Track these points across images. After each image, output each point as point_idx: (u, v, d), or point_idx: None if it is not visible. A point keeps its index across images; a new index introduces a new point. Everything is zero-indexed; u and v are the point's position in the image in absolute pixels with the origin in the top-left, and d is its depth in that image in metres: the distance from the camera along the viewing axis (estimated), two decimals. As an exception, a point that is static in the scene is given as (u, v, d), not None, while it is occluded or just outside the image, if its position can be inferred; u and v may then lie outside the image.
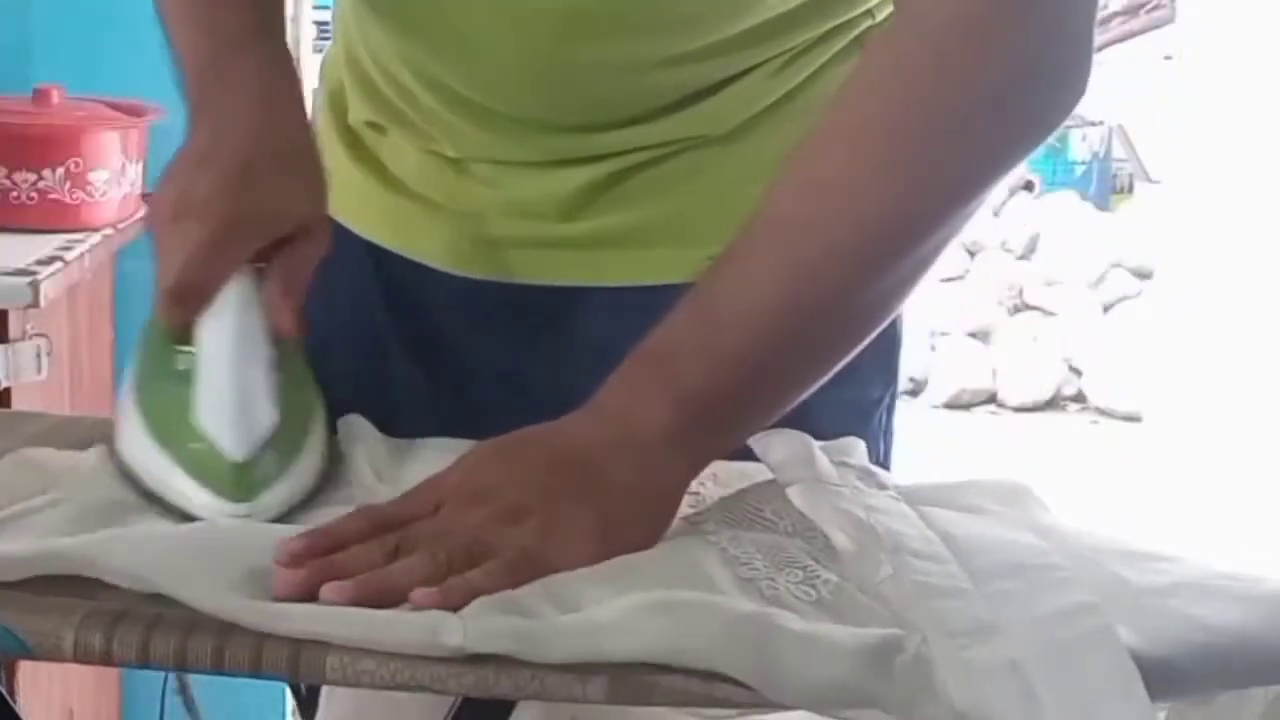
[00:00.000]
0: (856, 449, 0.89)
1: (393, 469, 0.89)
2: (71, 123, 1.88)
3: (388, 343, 1.09)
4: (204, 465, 0.81)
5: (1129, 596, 0.74)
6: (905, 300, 0.86)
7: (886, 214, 0.82)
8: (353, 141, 1.10)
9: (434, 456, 0.88)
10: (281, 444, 0.83)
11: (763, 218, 0.83)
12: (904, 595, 0.71)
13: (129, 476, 0.83)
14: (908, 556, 0.74)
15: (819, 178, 0.82)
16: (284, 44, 0.95)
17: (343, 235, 1.09)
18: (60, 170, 1.82)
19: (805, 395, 0.84)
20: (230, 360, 0.83)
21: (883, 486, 0.83)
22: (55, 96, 1.91)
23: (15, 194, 1.81)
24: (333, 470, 0.88)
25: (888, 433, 1.09)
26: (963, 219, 0.84)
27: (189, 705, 2.08)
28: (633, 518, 0.78)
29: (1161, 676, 0.68)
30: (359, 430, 0.93)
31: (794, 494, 0.79)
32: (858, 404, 1.05)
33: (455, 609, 0.69)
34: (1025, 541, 0.78)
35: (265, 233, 0.87)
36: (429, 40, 1.00)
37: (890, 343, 1.06)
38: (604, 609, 0.69)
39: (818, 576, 0.74)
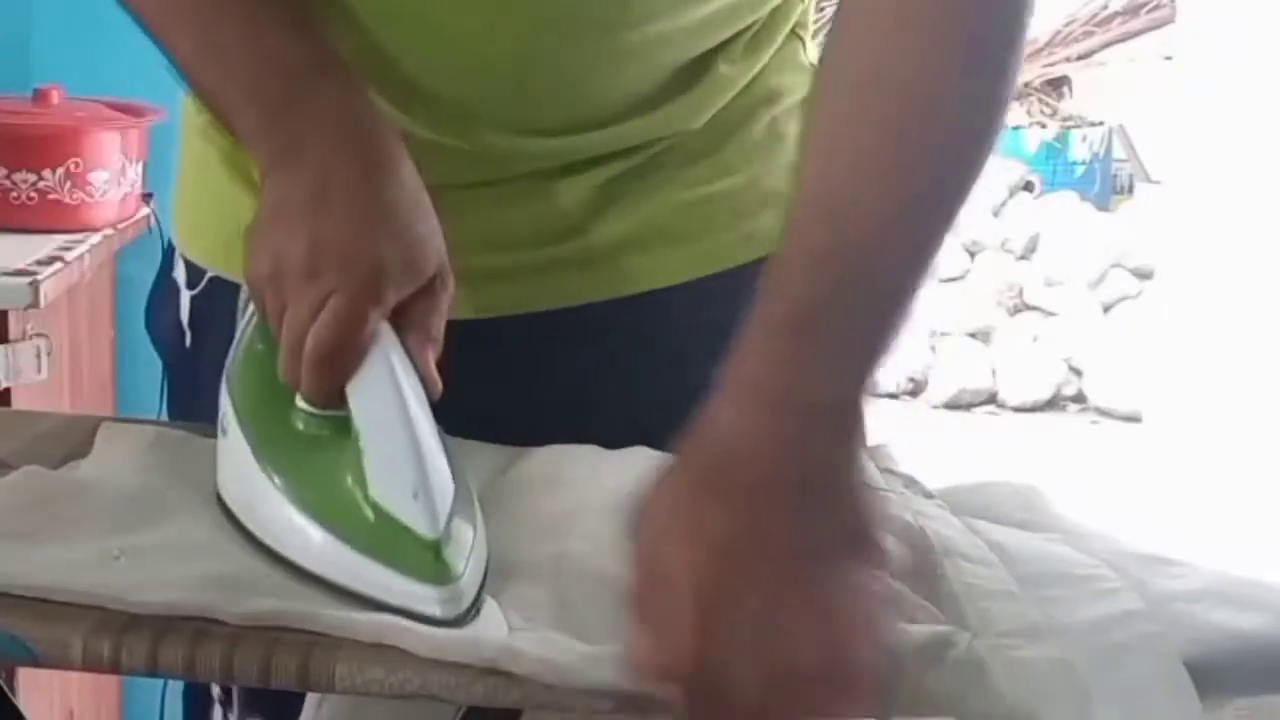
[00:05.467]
0: (892, 454, 0.89)
1: None
2: (71, 123, 1.87)
3: None
4: (394, 547, 0.72)
5: (1156, 601, 0.74)
6: None
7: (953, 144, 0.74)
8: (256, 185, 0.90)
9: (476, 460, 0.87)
10: (464, 511, 0.75)
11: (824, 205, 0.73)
12: (955, 596, 0.71)
13: (273, 556, 0.75)
14: (958, 559, 0.74)
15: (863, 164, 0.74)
16: (352, 73, 0.85)
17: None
18: (60, 170, 1.81)
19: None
20: (404, 426, 0.75)
21: (928, 495, 0.83)
22: (55, 96, 1.90)
23: (15, 194, 1.80)
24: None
25: None
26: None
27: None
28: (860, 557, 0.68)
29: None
30: None
31: None
32: None
33: None
34: (1069, 553, 0.78)
35: (405, 285, 0.80)
36: (396, 34, 0.93)
37: None
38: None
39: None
